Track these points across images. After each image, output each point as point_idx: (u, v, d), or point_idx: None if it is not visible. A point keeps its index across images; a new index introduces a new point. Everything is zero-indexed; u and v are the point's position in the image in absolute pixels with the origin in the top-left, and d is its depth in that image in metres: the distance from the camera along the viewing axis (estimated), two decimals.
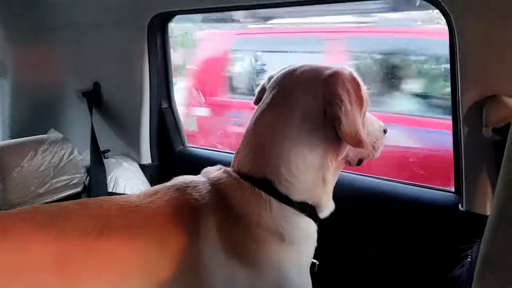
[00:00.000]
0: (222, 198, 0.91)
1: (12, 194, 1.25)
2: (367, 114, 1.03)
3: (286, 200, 0.93)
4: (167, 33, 1.63)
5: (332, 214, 1.20)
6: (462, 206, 1.17)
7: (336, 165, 1.00)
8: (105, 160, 1.60)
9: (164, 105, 1.73)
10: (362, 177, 1.41)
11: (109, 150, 1.67)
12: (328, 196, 1.00)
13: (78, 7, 1.66)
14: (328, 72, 0.94)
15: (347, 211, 1.35)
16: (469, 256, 0.90)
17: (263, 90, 1.03)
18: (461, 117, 1.12)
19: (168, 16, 1.56)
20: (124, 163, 1.66)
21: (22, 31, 1.79)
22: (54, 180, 1.35)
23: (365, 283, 1.31)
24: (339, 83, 0.92)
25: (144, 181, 1.67)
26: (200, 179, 0.95)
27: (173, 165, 1.74)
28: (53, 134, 1.45)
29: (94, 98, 1.72)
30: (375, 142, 1.07)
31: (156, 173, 1.74)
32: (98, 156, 1.56)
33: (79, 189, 1.43)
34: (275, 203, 0.91)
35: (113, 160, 1.64)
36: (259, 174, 0.93)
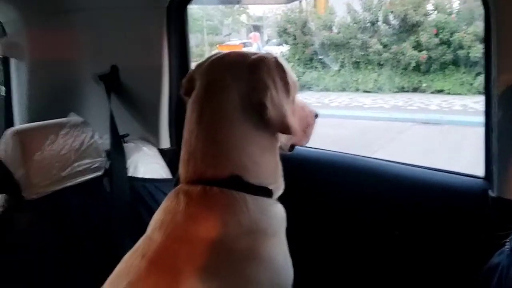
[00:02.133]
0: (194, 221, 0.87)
1: (35, 177, 1.25)
2: (298, 100, 1.03)
3: (257, 189, 0.90)
4: (186, 15, 1.61)
5: (360, 201, 1.19)
6: (493, 192, 1.14)
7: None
8: (124, 145, 1.59)
9: None
10: (387, 163, 1.39)
11: (128, 135, 1.66)
12: (281, 178, 1.00)
13: None
14: (252, 58, 0.93)
15: (373, 197, 1.34)
16: (507, 243, 0.87)
17: (191, 80, 0.99)
18: (495, 99, 1.09)
19: None
20: (143, 147, 1.64)
21: (39, 13, 1.77)
22: (76, 164, 1.34)
23: (393, 272, 1.29)
24: (264, 69, 0.91)
25: (163, 166, 1.66)
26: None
27: None
28: (73, 118, 1.43)
29: (111, 81, 1.70)
30: (306, 127, 1.08)
31: (175, 158, 1.72)
32: (117, 140, 1.55)
33: (100, 173, 1.42)
34: (249, 199, 0.88)
35: (132, 144, 1.63)
36: (224, 173, 0.89)
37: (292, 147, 1.11)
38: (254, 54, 0.95)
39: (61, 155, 1.31)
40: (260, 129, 0.91)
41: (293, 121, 0.93)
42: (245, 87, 0.90)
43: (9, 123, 2.03)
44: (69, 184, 1.33)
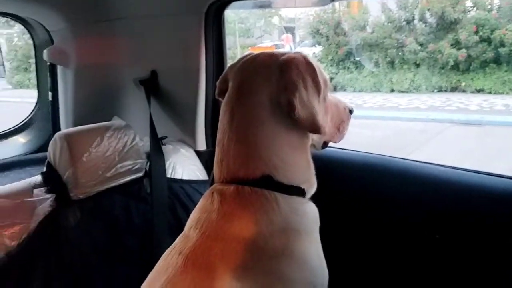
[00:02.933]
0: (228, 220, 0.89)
1: (82, 178, 1.32)
2: (331, 96, 1.03)
3: (289, 189, 0.92)
4: (223, 20, 1.65)
5: (396, 203, 1.18)
6: None
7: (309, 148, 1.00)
8: (163, 147, 1.64)
9: None
10: (424, 164, 1.36)
11: (166, 137, 1.71)
12: (314, 177, 1.00)
13: None
14: (282, 58, 0.93)
15: (410, 200, 1.32)
16: None
17: (225, 81, 1.01)
18: None
19: (225, 3, 1.57)
20: (181, 149, 1.70)
21: (84, 23, 1.87)
22: (119, 165, 1.40)
23: (432, 276, 1.27)
24: (293, 69, 0.91)
25: (200, 167, 1.70)
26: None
27: None
28: (117, 121, 1.50)
29: (151, 86, 1.77)
30: (339, 124, 1.08)
31: (211, 159, 1.77)
32: (156, 142, 1.60)
33: (141, 174, 1.48)
34: (281, 198, 0.90)
35: (171, 146, 1.69)
36: (256, 173, 0.90)
37: (325, 144, 1.11)
38: (284, 54, 0.96)
39: (106, 156, 1.37)
40: (290, 129, 0.92)
41: (324, 120, 0.94)
42: (274, 87, 0.92)
43: (56, 126, 2.14)
44: (112, 184, 1.39)
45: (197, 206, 0.98)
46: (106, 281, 1.30)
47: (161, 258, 0.93)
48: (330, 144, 1.16)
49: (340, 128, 1.10)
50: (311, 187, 1.00)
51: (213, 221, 0.90)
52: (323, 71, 1.00)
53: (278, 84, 0.91)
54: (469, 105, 7.00)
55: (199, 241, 0.88)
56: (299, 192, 0.95)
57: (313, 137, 1.01)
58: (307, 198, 0.98)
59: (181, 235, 0.95)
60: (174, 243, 0.94)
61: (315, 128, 0.92)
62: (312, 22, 9.14)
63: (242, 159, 0.92)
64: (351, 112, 1.12)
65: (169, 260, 0.89)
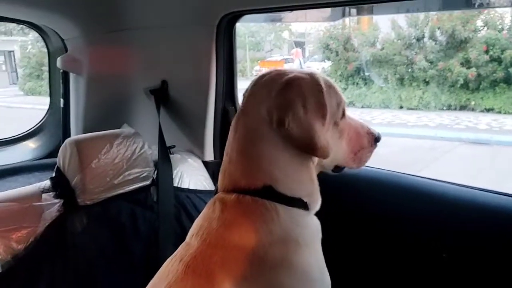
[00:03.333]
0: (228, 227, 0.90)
1: (90, 184, 1.33)
2: (352, 120, 1.02)
3: (290, 200, 0.92)
4: (235, 33, 1.67)
5: (404, 220, 1.16)
6: None
7: (316, 167, 1.00)
8: (171, 156, 1.65)
9: (228, 104, 1.77)
10: (433, 181, 1.35)
11: (174, 146, 1.73)
12: (318, 193, 1.00)
13: (151, 9, 1.74)
14: (288, 76, 0.94)
15: (418, 217, 1.31)
16: None
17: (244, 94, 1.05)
18: None
19: (237, 16, 1.59)
20: (189, 159, 1.71)
21: (97, 32, 1.91)
22: (127, 173, 1.41)
23: None
24: (293, 89, 0.91)
25: (207, 177, 1.71)
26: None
27: None
28: (126, 129, 1.52)
29: (161, 95, 1.79)
30: (358, 151, 1.04)
31: (218, 170, 1.78)
32: (165, 151, 1.61)
33: (148, 182, 1.49)
34: (281, 209, 0.90)
35: (179, 155, 1.70)
36: (257, 183, 0.91)
37: (338, 168, 1.07)
38: (292, 73, 0.96)
39: (114, 163, 1.39)
40: (288, 145, 0.93)
41: (325, 143, 0.92)
42: (272, 103, 0.93)
43: (66, 132, 2.17)
44: (120, 191, 1.41)
45: (200, 214, 0.99)
46: (110, 285, 1.31)
47: (163, 265, 0.94)
48: None
49: (358, 154, 1.05)
50: (315, 202, 1.00)
51: (214, 229, 0.91)
52: (340, 94, 0.99)
53: (275, 100, 0.92)
54: (478, 124, 6.95)
55: (199, 248, 0.89)
56: (301, 204, 0.95)
57: (322, 159, 0.99)
58: (311, 212, 0.98)
59: (183, 243, 0.96)
60: (176, 250, 0.95)
61: (312, 149, 0.91)
62: (322, 37, 9.20)
63: (244, 169, 0.94)
64: (377, 139, 1.07)
65: (170, 267, 0.90)
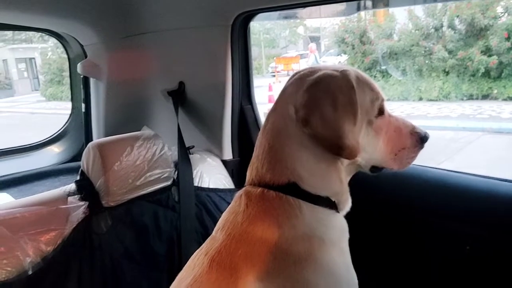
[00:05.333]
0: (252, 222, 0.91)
1: (114, 186, 1.36)
2: (394, 118, 0.99)
3: (315, 198, 0.91)
4: (249, 31, 1.68)
5: (427, 213, 1.14)
6: None
7: (348, 167, 0.97)
8: (190, 156, 1.68)
9: (245, 103, 1.78)
10: (456, 174, 1.33)
11: (193, 146, 1.75)
12: (347, 193, 0.98)
13: (166, 13, 1.76)
14: (318, 74, 0.92)
15: (441, 210, 1.29)
16: None
17: None
18: None
19: (251, 15, 1.60)
20: (208, 158, 1.73)
21: (116, 37, 1.94)
22: (148, 174, 1.44)
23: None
24: (321, 87, 0.90)
25: (226, 176, 1.73)
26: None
27: None
28: (146, 131, 1.54)
29: (179, 97, 1.81)
30: (399, 151, 0.99)
31: (237, 168, 1.80)
32: (184, 152, 1.64)
33: (169, 183, 1.51)
34: (305, 206, 0.90)
35: (198, 156, 1.72)
36: (282, 179, 0.92)
37: (375, 168, 1.02)
38: (323, 70, 0.95)
39: (136, 165, 1.41)
40: (314, 144, 0.92)
41: (354, 143, 0.89)
42: (298, 101, 0.92)
43: (88, 136, 2.23)
44: (142, 192, 1.43)
45: (227, 208, 1.01)
46: (135, 285, 1.34)
47: (190, 258, 0.96)
48: None
49: (399, 154, 1.00)
50: (344, 203, 0.98)
51: (239, 223, 0.92)
52: (376, 91, 0.96)
53: (302, 98, 0.92)
54: (501, 113, 6.77)
55: (224, 242, 0.91)
56: (328, 203, 0.94)
57: (356, 159, 0.95)
58: (341, 213, 0.98)
59: (209, 237, 0.98)
60: (202, 245, 0.97)
61: (337, 149, 0.89)
62: (337, 32, 9.12)
63: (270, 164, 0.95)
64: (423, 139, 1.01)
65: (196, 260, 0.92)
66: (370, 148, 0.98)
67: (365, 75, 0.98)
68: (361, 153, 0.94)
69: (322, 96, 0.90)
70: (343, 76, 0.93)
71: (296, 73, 1.01)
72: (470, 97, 7.41)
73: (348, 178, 1.01)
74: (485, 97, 7.30)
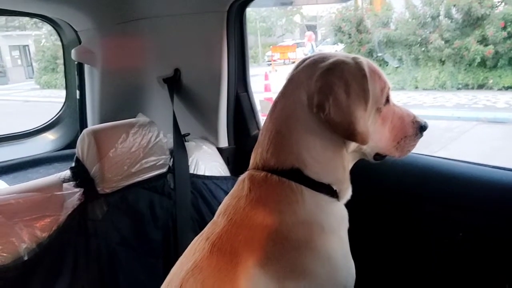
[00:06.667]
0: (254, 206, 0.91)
1: (109, 173, 1.36)
2: (397, 107, 1.01)
3: (317, 185, 0.92)
4: (245, 19, 1.66)
5: (421, 201, 1.14)
6: None
7: (352, 154, 0.99)
8: (186, 143, 1.67)
9: (241, 90, 1.77)
10: (450, 161, 1.34)
11: (189, 134, 1.75)
12: (348, 182, 0.99)
13: None
14: (331, 60, 0.93)
15: (435, 197, 1.30)
16: None
17: None
18: None
19: (247, 1, 1.58)
20: (204, 146, 1.73)
21: (110, 23, 1.92)
22: (144, 161, 1.44)
23: (455, 275, 1.25)
24: (335, 73, 0.90)
25: (222, 164, 1.73)
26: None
27: (249, 148, 1.77)
28: (141, 118, 1.54)
29: (174, 84, 1.80)
30: (401, 139, 1.01)
31: (232, 156, 1.80)
32: (179, 139, 1.63)
33: (164, 170, 1.51)
34: (307, 192, 0.91)
35: (193, 143, 1.72)
36: (286, 164, 0.92)
37: (379, 155, 1.04)
38: (335, 57, 0.95)
39: (131, 152, 1.41)
40: (324, 130, 0.93)
41: (365, 130, 0.91)
42: (312, 87, 0.92)
43: (83, 123, 2.22)
44: (137, 179, 1.43)
45: (230, 192, 1.01)
46: (131, 271, 1.35)
47: (191, 243, 0.96)
48: None
49: (401, 142, 1.02)
50: (345, 191, 0.99)
51: (241, 207, 0.93)
52: (384, 79, 0.98)
53: (316, 84, 0.92)
54: (496, 102, 6.80)
55: (225, 227, 0.91)
56: (329, 191, 0.95)
57: (362, 146, 0.98)
58: (341, 201, 0.99)
59: (211, 221, 0.98)
60: (203, 230, 0.97)
61: (350, 135, 0.90)
62: (334, 20, 9.07)
63: (275, 149, 0.95)
64: (422, 128, 1.03)
65: (196, 245, 0.93)
66: (376, 136, 0.99)
67: (374, 64, 0.99)
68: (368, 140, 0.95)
69: (336, 82, 0.90)
70: (356, 63, 0.94)
71: (305, 59, 1.00)
72: (466, 87, 7.44)
73: (351, 166, 1.02)
74: (480, 87, 7.33)
